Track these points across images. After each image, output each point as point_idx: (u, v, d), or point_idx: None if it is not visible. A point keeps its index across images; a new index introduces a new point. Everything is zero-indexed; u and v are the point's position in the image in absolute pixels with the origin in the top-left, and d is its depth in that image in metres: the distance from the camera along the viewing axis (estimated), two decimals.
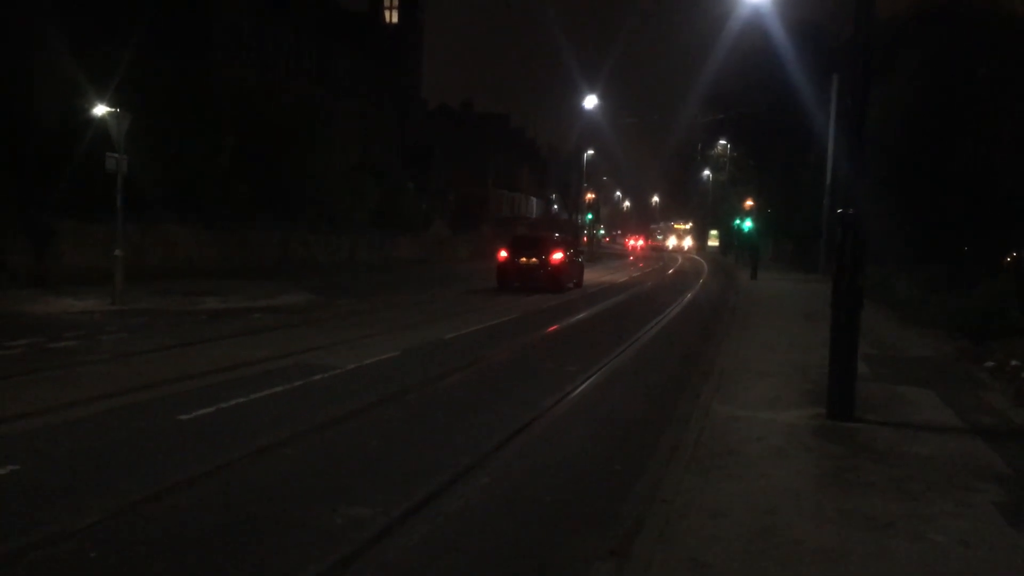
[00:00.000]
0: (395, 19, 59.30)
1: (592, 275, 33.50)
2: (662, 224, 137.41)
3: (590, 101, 61.49)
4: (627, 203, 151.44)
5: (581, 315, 19.49)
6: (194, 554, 5.12)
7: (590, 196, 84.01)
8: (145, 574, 4.87)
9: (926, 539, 5.29)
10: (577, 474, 7.01)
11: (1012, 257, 22.40)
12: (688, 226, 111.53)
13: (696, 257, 73.06)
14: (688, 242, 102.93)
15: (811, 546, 5.12)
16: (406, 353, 12.61)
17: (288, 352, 12.17)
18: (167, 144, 24.93)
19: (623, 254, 78.48)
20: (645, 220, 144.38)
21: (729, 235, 63.01)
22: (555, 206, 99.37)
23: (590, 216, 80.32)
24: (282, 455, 7.16)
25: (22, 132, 22.89)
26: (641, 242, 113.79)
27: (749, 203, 50.23)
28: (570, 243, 31.83)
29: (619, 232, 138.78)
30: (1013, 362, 11.33)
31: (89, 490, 6.08)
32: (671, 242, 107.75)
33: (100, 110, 18.08)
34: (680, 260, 57.10)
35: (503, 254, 26.18)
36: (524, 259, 25.61)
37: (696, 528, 5.36)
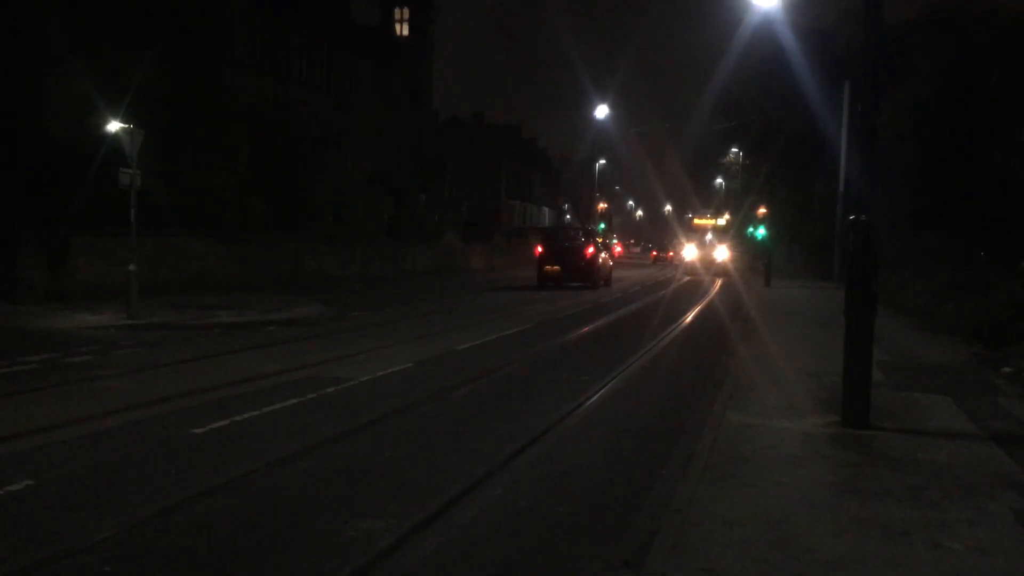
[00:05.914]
0: (406, 32, 59.54)
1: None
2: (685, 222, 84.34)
3: (601, 111, 61.60)
4: (640, 212, 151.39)
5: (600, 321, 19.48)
6: (207, 568, 5.13)
7: (602, 206, 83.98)
8: None
9: (943, 547, 5.24)
10: (591, 484, 6.99)
11: None
12: (724, 220, 63.77)
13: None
14: (723, 252, 52.35)
15: (826, 555, 5.08)
16: (419, 364, 12.62)
17: (301, 365, 12.19)
18: (181, 159, 25.06)
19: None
20: (659, 229, 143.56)
21: (744, 243, 62.13)
22: (567, 216, 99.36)
23: (603, 226, 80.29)
24: (295, 468, 7.16)
25: (37, 148, 23.06)
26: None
27: (762, 210, 50.10)
28: (667, 247, 69.58)
29: (632, 241, 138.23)
30: None
31: (103, 504, 6.10)
32: (689, 252, 54.93)
33: (114, 126, 18.19)
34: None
35: (653, 254, 74.86)
36: (657, 252, 74.42)
37: (710, 537, 5.33)
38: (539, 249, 32.26)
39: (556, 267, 31.15)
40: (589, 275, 31.29)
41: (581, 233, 36.55)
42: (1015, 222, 21.09)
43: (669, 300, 28.24)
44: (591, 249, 32.06)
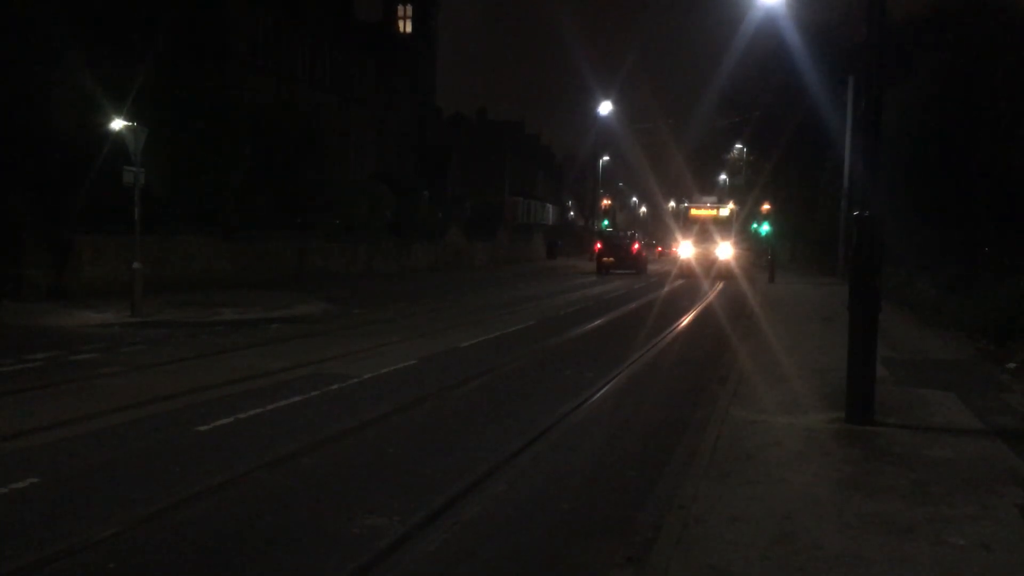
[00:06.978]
0: (409, 28, 59.58)
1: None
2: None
3: (605, 107, 61.52)
4: (643, 208, 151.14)
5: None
6: (212, 565, 5.14)
7: (606, 202, 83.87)
8: None
9: (947, 543, 5.23)
10: (594, 480, 6.99)
11: None
12: (728, 210, 48.99)
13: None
14: (726, 250, 41.89)
15: (830, 551, 5.07)
16: (422, 361, 12.62)
17: (305, 362, 12.20)
18: (184, 156, 25.05)
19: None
20: (661, 225, 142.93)
21: (748, 239, 61.14)
22: (571, 212, 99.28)
23: (606, 222, 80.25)
24: (299, 465, 7.17)
25: (41, 147, 23.08)
26: None
27: (766, 206, 49.94)
28: (669, 243, 65.22)
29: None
30: None
31: (108, 501, 6.12)
32: (684, 250, 44.38)
33: (117, 124, 18.19)
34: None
35: (658, 249, 73.61)
36: (661, 248, 72.29)
37: (714, 534, 5.33)
38: (598, 245, 44.22)
39: (611, 258, 41.85)
40: (634, 264, 42.34)
41: (628, 233, 49.93)
42: (1018, 218, 21.01)
43: (685, 287, 32.27)
44: (636, 245, 44.19)
